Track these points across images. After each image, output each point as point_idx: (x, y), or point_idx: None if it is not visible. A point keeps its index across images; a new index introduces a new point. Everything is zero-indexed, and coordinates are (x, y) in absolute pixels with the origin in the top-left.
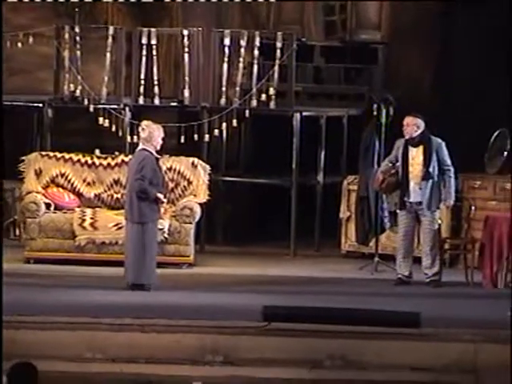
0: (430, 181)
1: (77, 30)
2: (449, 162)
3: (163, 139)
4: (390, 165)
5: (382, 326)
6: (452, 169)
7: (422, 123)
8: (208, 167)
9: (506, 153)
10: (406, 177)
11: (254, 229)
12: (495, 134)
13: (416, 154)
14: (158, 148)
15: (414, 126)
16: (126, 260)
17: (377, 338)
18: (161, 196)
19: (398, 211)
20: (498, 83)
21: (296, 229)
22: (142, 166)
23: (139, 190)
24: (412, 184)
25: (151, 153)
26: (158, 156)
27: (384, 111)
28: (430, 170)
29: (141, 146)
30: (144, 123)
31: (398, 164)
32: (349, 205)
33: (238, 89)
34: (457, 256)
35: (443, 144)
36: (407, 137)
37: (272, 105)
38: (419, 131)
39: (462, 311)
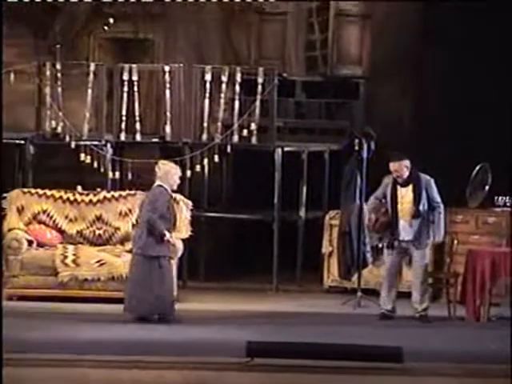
0: (420, 218)
1: (58, 66)
2: (438, 198)
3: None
4: (378, 201)
5: (365, 360)
6: (441, 205)
7: (408, 162)
8: (190, 203)
9: (487, 187)
10: (396, 215)
11: (236, 264)
12: (477, 168)
13: (405, 193)
14: (175, 187)
15: (403, 167)
16: (135, 293)
17: (360, 372)
18: (167, 234)
19: (384, 248)
20: (478, 117)
21: (278, 264)
22: (155, 199)
23: (147, 221)
24: (402, 222)
25: (166, 189)
26: (173, 194)
27: (365, 146)
28: (420, 207)
29: (157, 183)
30: (160, 162)
31: (385, 201)
32: (331, 240)
33: (219, 124)
34: (439, 290)
35: (432, 181)
36: (400, 181)
37: (254, 140)
38: (408, 171)
39: (445, 345)
